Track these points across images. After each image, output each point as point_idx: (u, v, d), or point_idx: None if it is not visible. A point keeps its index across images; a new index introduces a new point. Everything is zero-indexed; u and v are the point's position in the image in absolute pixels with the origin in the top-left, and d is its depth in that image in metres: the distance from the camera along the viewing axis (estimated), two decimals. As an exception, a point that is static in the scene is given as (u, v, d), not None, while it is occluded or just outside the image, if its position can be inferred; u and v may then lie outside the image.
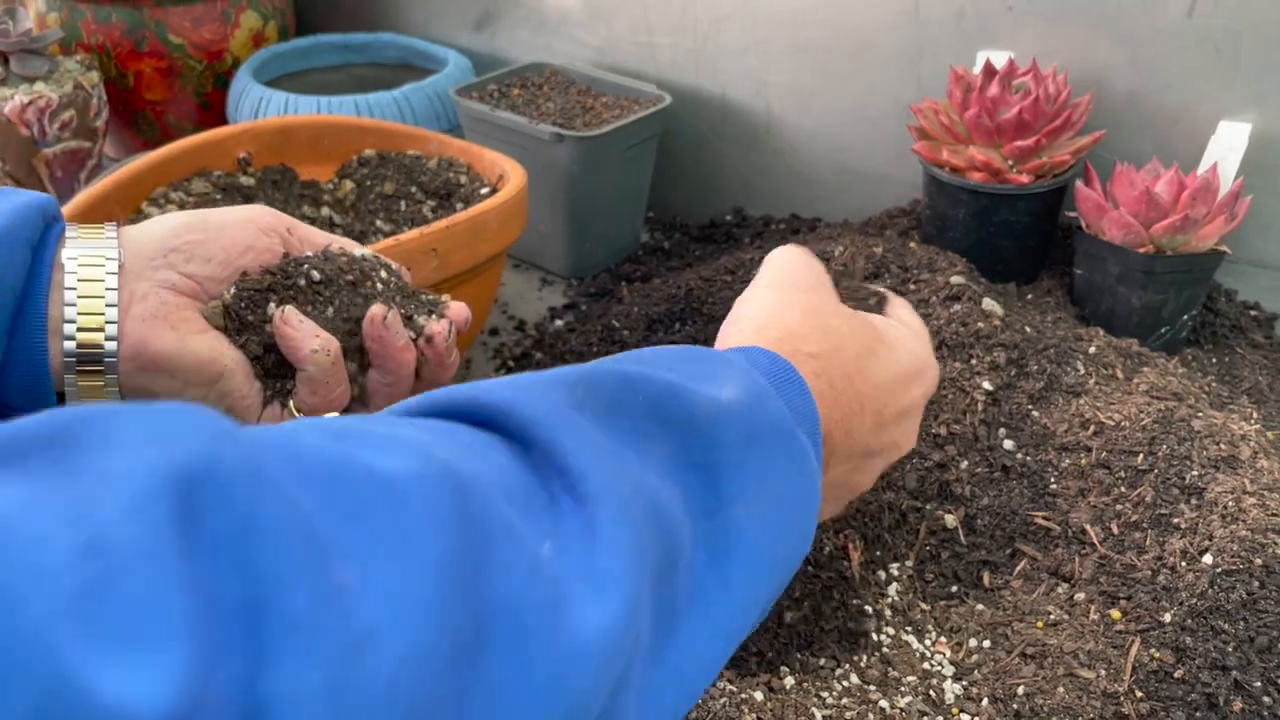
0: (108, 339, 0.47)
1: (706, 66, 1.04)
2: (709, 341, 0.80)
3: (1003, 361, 0.68)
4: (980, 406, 0.67)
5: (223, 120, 1.12)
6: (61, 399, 0.48)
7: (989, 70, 0.81)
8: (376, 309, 0.52)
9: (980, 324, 0.70)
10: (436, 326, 0.54)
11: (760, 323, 0.46)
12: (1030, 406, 0.67)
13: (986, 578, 0.62)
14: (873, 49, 0.94)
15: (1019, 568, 0.62)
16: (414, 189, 0.86)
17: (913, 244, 0.84)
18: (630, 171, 0.99)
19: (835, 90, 0.98)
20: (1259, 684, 0.52)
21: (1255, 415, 0.68)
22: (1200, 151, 0.80)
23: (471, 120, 0.98)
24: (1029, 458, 0.65)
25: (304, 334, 0.50)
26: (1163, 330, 0.78)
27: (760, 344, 0.43)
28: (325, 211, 0.83)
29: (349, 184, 0.85)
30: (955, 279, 0.74)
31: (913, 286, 0.76)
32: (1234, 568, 0.55)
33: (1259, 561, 0.55)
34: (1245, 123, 0.79)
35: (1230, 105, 0.80)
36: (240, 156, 0.81)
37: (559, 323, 0.93)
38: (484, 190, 0.84)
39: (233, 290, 0.51)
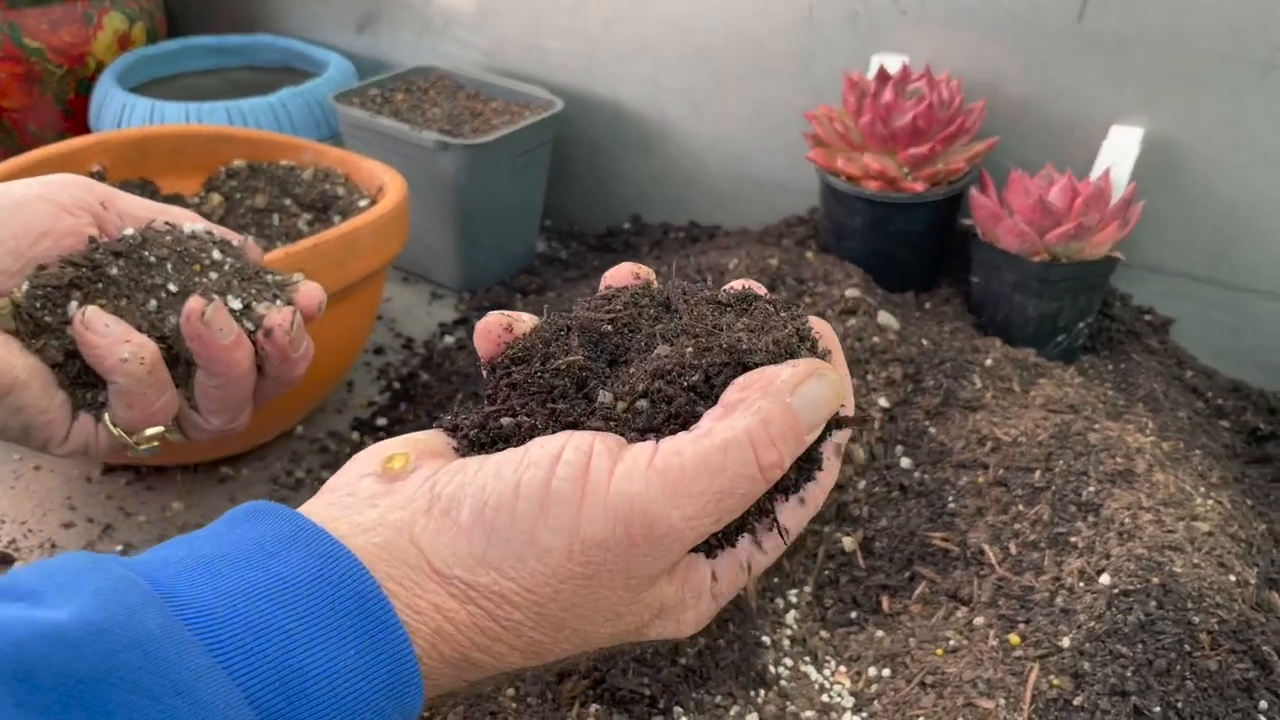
0: None
1: (599, 70, 1.00)
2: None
3: (899, 377, 0.67)
4: (877, 424, 0.65)
5: (87, 129, 1.05)
6: None
7: (882, 76, 0.79)
8: (193, 303, 0.44)
9: (876, 338, 0.68)
10: (277, 317, 0.46)
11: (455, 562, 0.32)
12: (927, 423, 0.65)
13: (885, 602, 0.60)
14: (767, 53, 0.92)
15: (918, 591, 0.60)
16: (288, 202, 0.81)
17: (809, 254, 0.82)
18: (522, 180, 0.95)
19: (730, 95, 0.95)
20: (1158, 709, 0.51)
21: (1151, 425, 0.67)
22: (1093, 156, 0.79)
23: (352, 128, 0.93)
24: (927, 476, 0.64)
25: (111, 340, 0.43)
26: (1059, 338, 0.77)
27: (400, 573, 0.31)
28: (188, 227, 0.77)
29: (216, 197, 0.79)
30: (851, 292, 0.72)
31: (809, 299, 0.74)
32: (1131, 588, 0.54)
33: (1156, 580, 0.54)
34: (1137, 127, 0.78)
35: (1122, 109, 0.79)
36: (93, 170, 0.76)
37: (449, 339, 0.89)
38: (363, 202, 0.79)
39: (25, 286, 0.44)
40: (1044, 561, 0.58)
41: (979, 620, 0.57)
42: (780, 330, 0.34)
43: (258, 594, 0.28)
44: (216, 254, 0.48)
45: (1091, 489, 0.60)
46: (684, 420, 0.33)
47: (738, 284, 0.39)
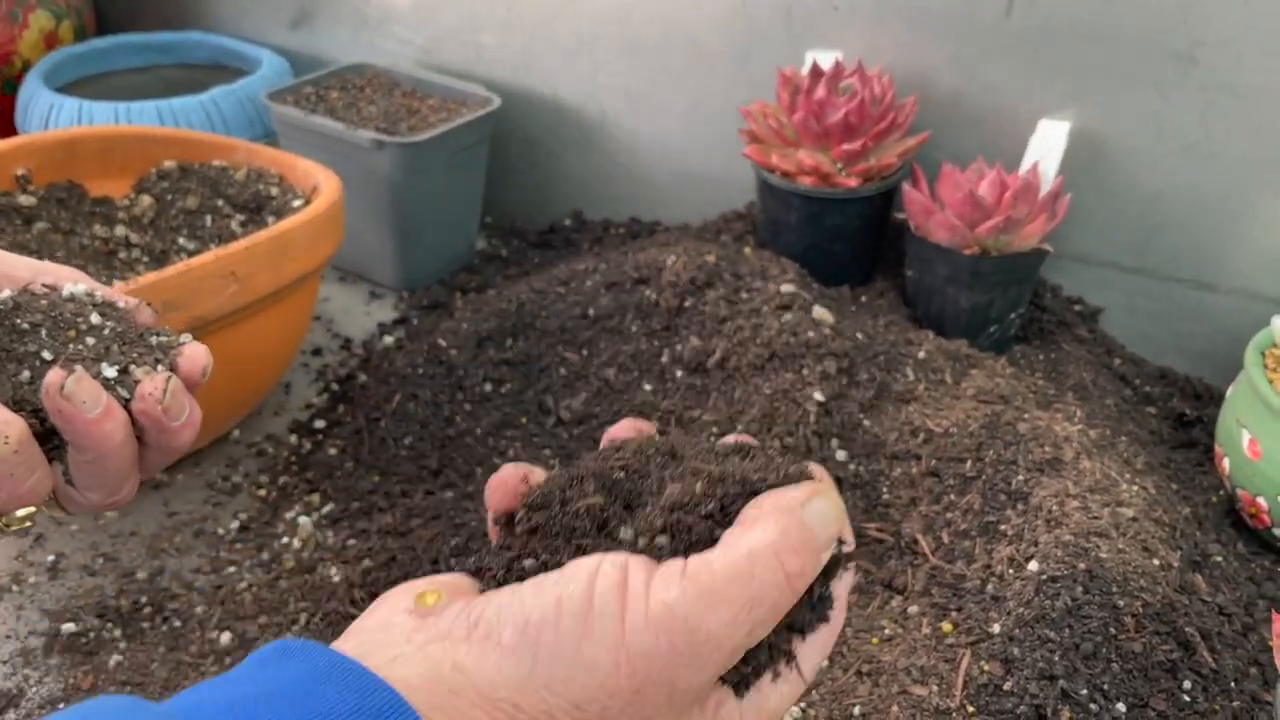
0: None
1: (537, 67, 1.00)
2: (541, 358, 0.77)
3: (833, 371, 0.67)
4: (813, 418, 0.65)
5: (13, 131, 1.02)
6: None
7: (815, 72, 0.80)
8: (52, 375, 0.40)
9: (811, 333, 0.69)
10: (148, 385, 0.43)
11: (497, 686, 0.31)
12: (861, 416, 0.66)
13: (823, 594, 0.61)
14: (703, 48, 0.92)
15: (855, 581, 0.61)
16: (220, 203, 0.80)
17: (747, 250, 0.82)
18: (460, 178, 0.95)
19: (667, 91, 0.96)
20: (1085, 691, 0.52)
21: (1079, 414, 0.69)
22: (1022, 149, 0.81)
23: (286, 126, 0.92)
24: (861, 468, 0.64)
25: None
26: (992, 329, 0.79)
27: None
28: (120, 230, 0.76)
29: (147, 199, 0.78)
30: (786, 287, 0.73)
31: (745, 295, 0.74)
32: (1058, 574, 0.55)
33: (1082, 566, 0.55)
34: (1064, 121, 0.80)
35: (1050, 103, 0.81)
36: (18, 174, 0.74)
37: (388, 339, 0.88)
38: (297, 203, 0.79)
39: None
40: (975, 550, 0.59)
41: (913, 609, 0.58)
42: (784, 469, 0.36)
43: None
44: (95, 317, 0.45)
45: (1021, 478, 0.61)
46: (704, 546, 0.34)
47: (732, 438, 0.40)
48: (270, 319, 0.70)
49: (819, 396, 0.66)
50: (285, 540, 0.67)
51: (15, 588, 0.63)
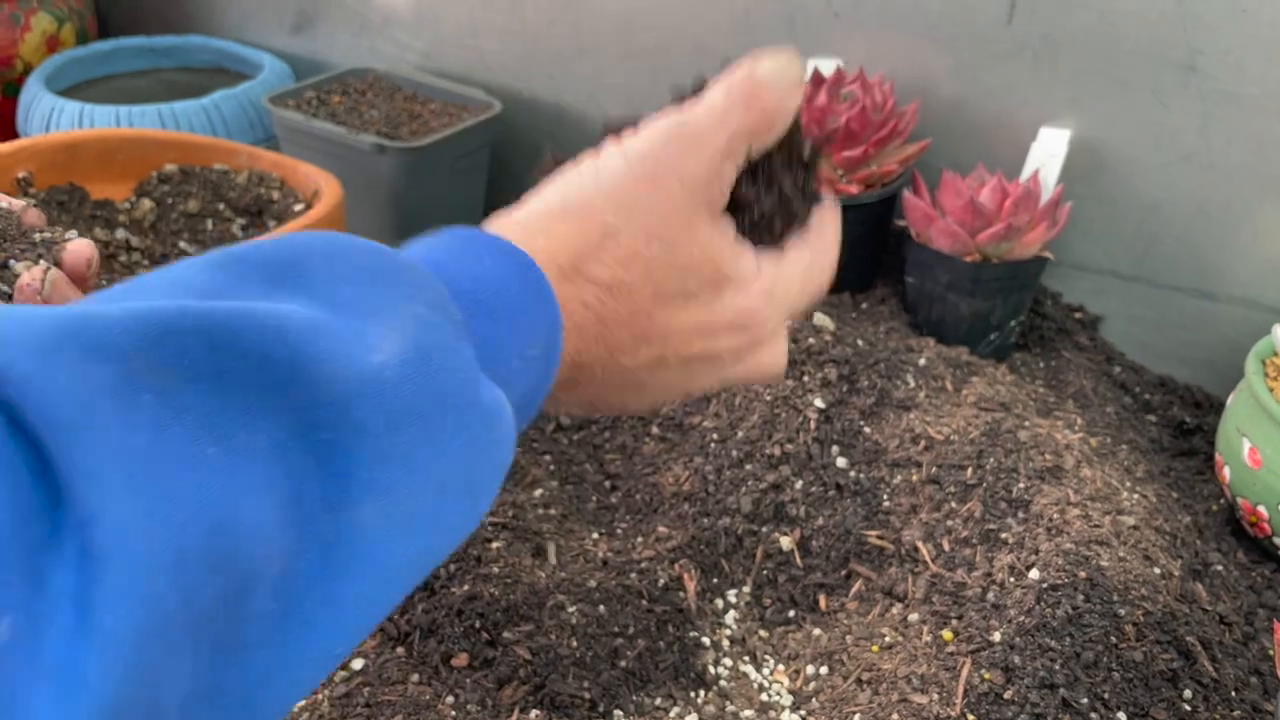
0: None
1: (539, 71, 1.00)
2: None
3: (834, 377, 0.67)
4: (813, 424, 0.65)
5: (15, 134, 1.03)
6: None
7: (817, 79, 0.80)
8: None
9: (811, 339, 0.69)
10: (26, 277, 0.43)
11: (562, 216, 0.39)
12: (862, 423, 0.66)
13: (823, 600, 0.61)
14: (704, 53, 0.92)
15: (854, 589, 0.61)
16: (221, 206, 0.80)
17: (748, 255, 0.82)
18: (462, 183, 0.95)
19: (669, 95, 0.95)
20: (1086, 700, 0.52)
21: (1079, 422, 0.69)
22: (1023, 157, 0.81)
23: (287, 130, 0.92)
24: (862, 475, 0.64)
25: None
26: (992, 336, 0.79)
27: (538, 245, 0.37)
28: (121, 234, 0.76)
29: (148, 203, 0.78)
30: (787, 293, 0.73)
31: (746, 301, 0.74)
32: (1059, 582, 0.55)
33: (1083, 574, 0.55)
34: (1065, 129, 0.80)
35: (1050, 111, 0.81)
36: (19, 177, 0.74)
37: (389, 343, 0.88)
38: (298, 206, 0.79)
39: None
40: (976, 558, 0.59)
41: (913, 617, 0.58)
42: None
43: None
44: None
45: (1021, 485, 0.61)
46: None
47: None
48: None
49: (819, 403, 0.66)
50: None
51: None
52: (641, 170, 0.38)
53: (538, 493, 0.67)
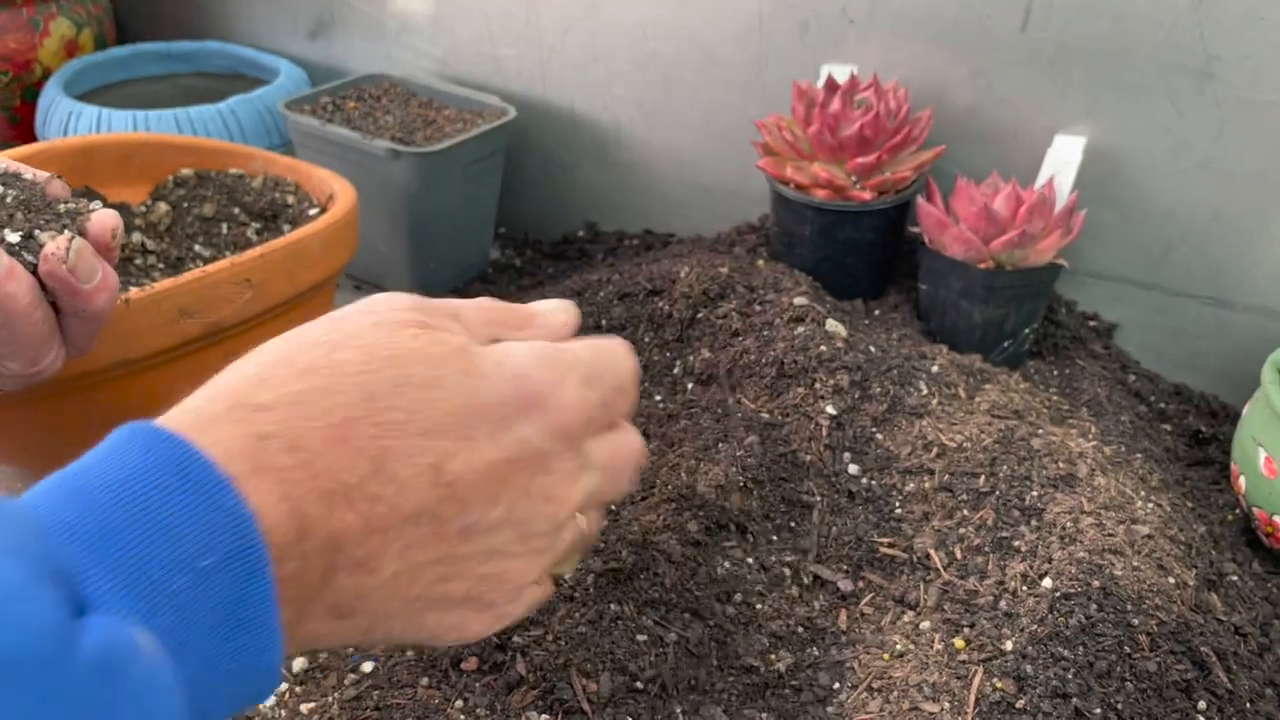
0: None
1: (553, 78, 1.01)
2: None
3: (846, 384, 0.67)
4: (824, 431, 0.65)
5: (33, 137, 1.03)
6: None
7: (831, 85, 0.80)
8: None
9: (824, 346, 0.69)
10: (51, 246, 0.42)
11: (225, 380, 0.34)
12: (874, 429, 0.66)
13: (842, 615, 0.61)
14: (718, 61, 0.92)
15: (866, 597, 0.60)
16: (237, 210, 0.80)
17: (760, 262, 0.82)
18: (475, 188, 0.95)
19: (682, 103, 0.96)
20: (1099, 710, 0.52)
21: (1094, 430, 0.69)
22: (1038, 164, 0.81)
23: (302, 135, 0.92)
24: (874, 482, 0.64)
25: None
26: (1005, 344, 0.78)
27: (188, 412, 0.31)
28: (137, 237, 0.77)
29: (163, 206, 0.79)
30: (799, 300, 0.73)
31: (758, 308, 0.74)
32: (1072, 591, 0.55)
33: (1096, 584, 0.55)
34: (1080, 136, 0.80)
35: (1065, 118, 0.81)
36: (36, 179, 0.75)
37: (402, 348, 0.88)
38: (313, 211, 0.79)
39: None
40: (988, 566, 0.58)
41: (925, 625, 0.57)
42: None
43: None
44: None
45: (1035, 493, 0.61)
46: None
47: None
48: (285, 326, 0.70)
49: (831, 410, 0.66)
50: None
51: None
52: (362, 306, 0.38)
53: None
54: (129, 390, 0.63)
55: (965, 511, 0.62)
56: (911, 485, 0.64)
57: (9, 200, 0.44)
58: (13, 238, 0.43)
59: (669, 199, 1.01)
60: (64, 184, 0.47)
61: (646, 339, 0.77)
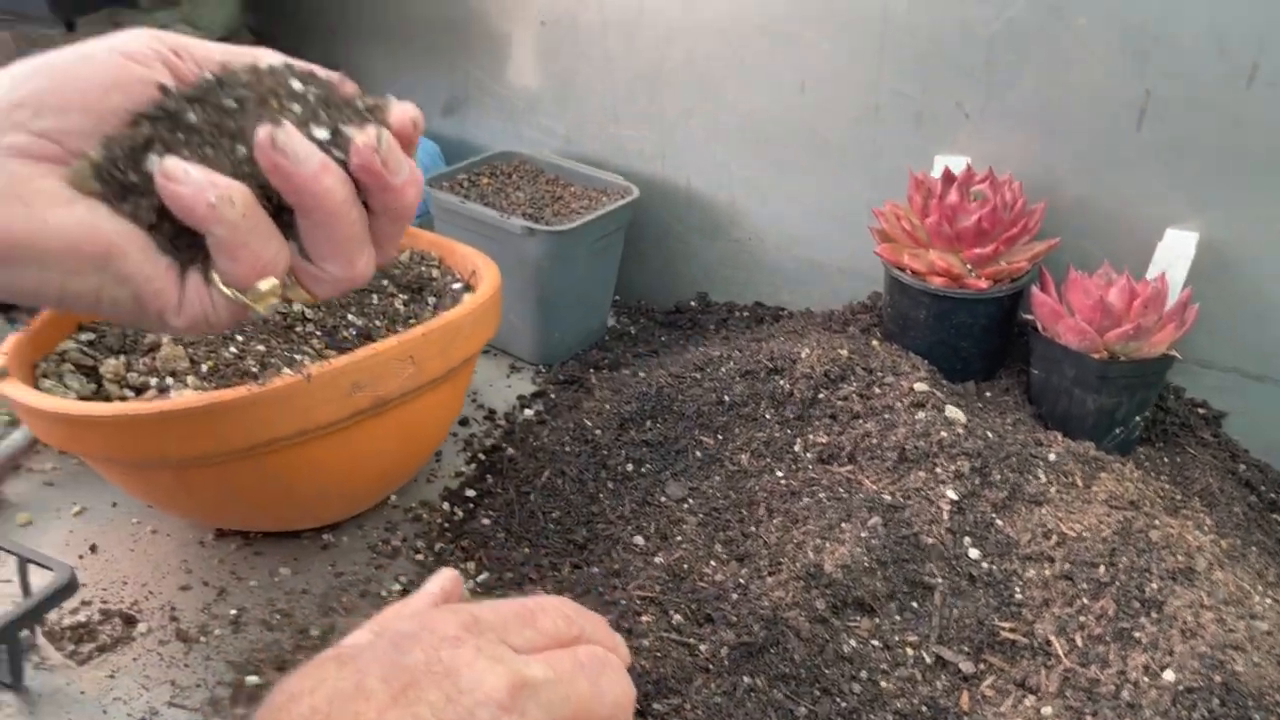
0: None
1: (672, 158, 1.06)
2: (679, 441, 0.82)
3: (966, 470, 0.70)
4: (946, 515, 0.69)
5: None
6: None
7: (947, 177, 0.84)
8: (262, 132, 0.40)
9: (944, 432, 0.72)
10: (362, 137, 0.42)
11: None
12: (994, 515, 0.69)
13: (964, 698, 0.64)
14: (833, 147, 0.97)
15: (988, 679, 0.63)
16: (386, 282, 0.87)
17: (875, 343, 0.86)
18: (599, 262, 1.01)
19: (796, 184, 1.00)
20: (1220, 802, 0.54)
21: (1208, 522, 0.71)
22: (1147, 254, 0.83)
23: (442, 210, 0.99)
24: (994, 567, 0.67)
25: (195, 187, 0.39)
26: (1117, 431, 0.81)
27: None
28: (297, 307, 0.83)
29: (320, 279, 0.85)
30: (919, 385, 0.76)
31: (878, 390, 0.78)
32: (1195, 685, 0.57)
33: (1219, 679, 0.57)
34: (1192, 231, 0.82)
35: (1177, 212, 0.83)
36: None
37: (528, 412, 0.94)
38: (456, 285, 0.85)
39: (101, 146, 0.40)
40: (1109, 655, 0.61)
41: (1047, 710, 0.60)
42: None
43: None
44: (298, 85, 0.43)
45: (1154, 586, 0.63)
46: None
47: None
48: (436, 397, 0.76)
49: (952, 494, 0.70)
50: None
51: (202, 639, 0.69)
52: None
53: (680, 553, 0.71)
54: (303, 457, 0.69)
55: (1085, 600, 0.64)
56: (1032, 571, 0.66)
57: (310, 99, 0.43)
58: (321, 134, 0.42)
59: (780, 273, 1.05)
60: (354, 83, 0.47)
61: (767, 415, 0.81)
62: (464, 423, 0.93)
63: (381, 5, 1.21)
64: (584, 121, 1.09)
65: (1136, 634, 0.61)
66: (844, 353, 0.81)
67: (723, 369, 0.86)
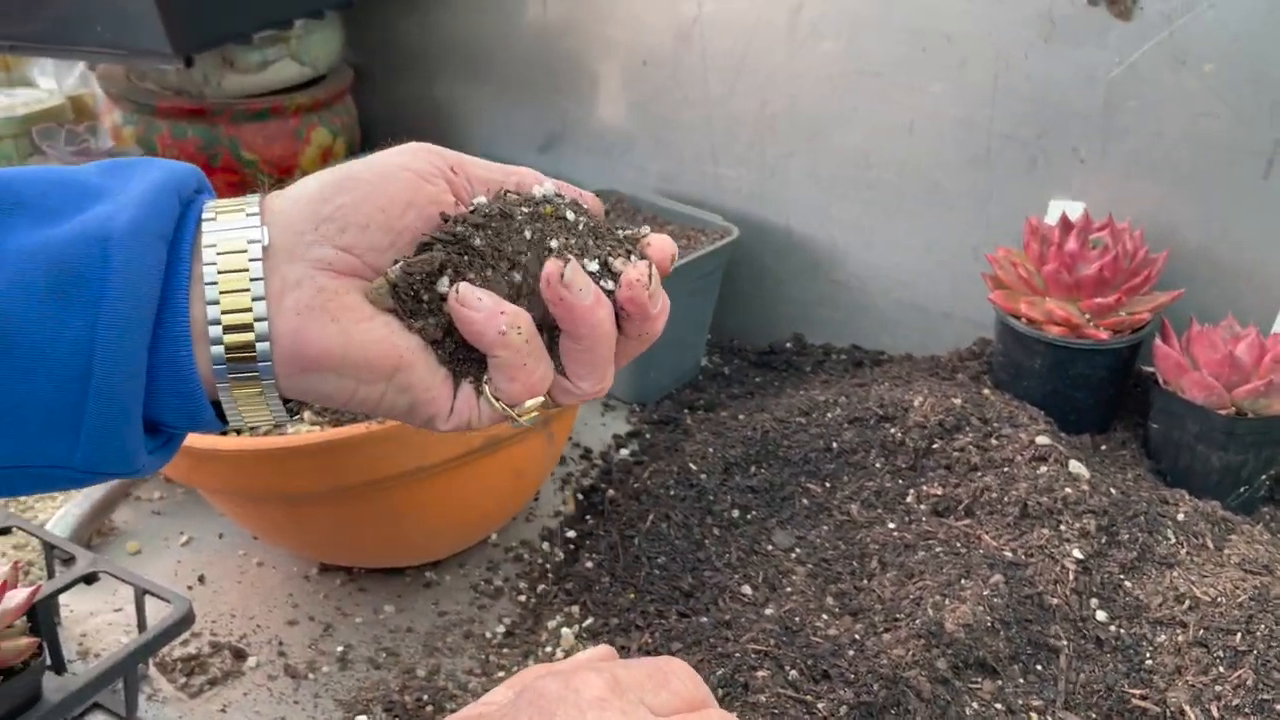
0: (258, 339, 0.40)
1: (772, 199, 1.05)
2: (785, 487, 0.80)
3: (1093, 529, 0.68)
4: (1071, 575, 0.66)
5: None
6: (220, 411, 0.43)
7: (1065, 224, 0.82)
8: (551, 266, 0.43)
9: (1069, 488, 0.70)
10: (633, 273, 0.44)
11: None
12: (1122, 577, 0.67)
13: (1083, 756, 0.61)
14: (941, 190, 0.95)
15: None
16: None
17: (987, 391, 0.84)
18: (697, 302, 1.00)
19: (901, 227, 0.99)
20: None
21: (1347, 590, 0.68)
22: (1271, 307, 0.81)
23: (542, 248, 0.99)
24: (1123, 631, 0.65)
25: (486, 314, 0.42)
26: (1242, 490, 0.78)
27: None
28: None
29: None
30: (1041, 439, 0.74)
31: (994, 442, 0.76)
32: (1348, 766, 0.54)
33: (1373, 760, 0.54)
34: (1320, 283, 0.80)
35: (1303, 263, 0.81)
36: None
37: (624, 452, 0.93)
38: (560, 325, 0.84)
39: (398, 269, 0.43)
40: (1252, 729, 0.58)
41: (1185, 784, 0.57)
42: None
43: None
44: (570, 214, 0.46)
45: (1297, 657, 0.60)
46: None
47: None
48: (544, 440, 0.75)
49: (1077, 554, 0.67)
50: (549, 649, 0.71)
51: (310, 675, 0.69)
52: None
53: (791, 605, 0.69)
54: (418, 493, 0.69)
55: (1221, 669, 0.61)
56: (1163, 637, 0.64)
57: (580, 229, 0.46)
58: (591, 266, 0.45)
59: (880, 316, 1.04)
60: (600, 202, 0.50)
61: (878, 464, 0.80)
62: (561, 462, 0.92)
63: (480, 43, 1.22)
64: (682, 161, 1.09)
65: (1279, 706, 0.58)
66: (957, 401, 0.80)
67: (829, 414, 0.84)
